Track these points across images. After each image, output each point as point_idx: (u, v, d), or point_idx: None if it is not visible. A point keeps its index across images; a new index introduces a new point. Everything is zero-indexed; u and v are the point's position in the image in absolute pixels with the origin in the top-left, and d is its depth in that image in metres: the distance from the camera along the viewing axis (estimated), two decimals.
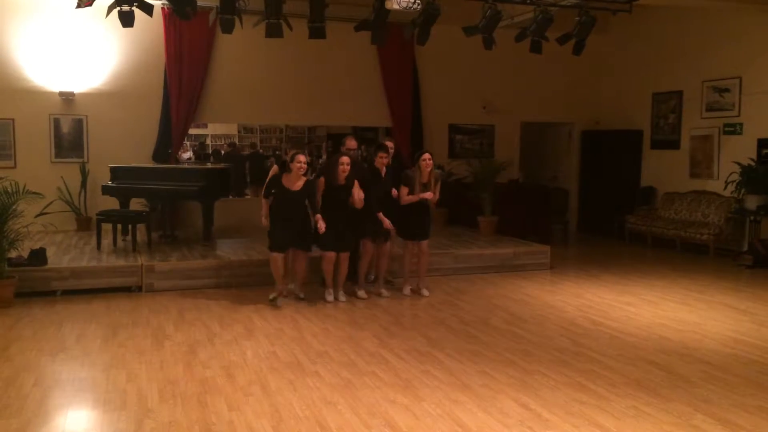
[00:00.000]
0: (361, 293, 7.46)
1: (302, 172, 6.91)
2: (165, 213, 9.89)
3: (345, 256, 7.23)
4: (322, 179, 7.07)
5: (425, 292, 7.67)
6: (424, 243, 7.61)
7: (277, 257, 7.01)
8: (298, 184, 6.93)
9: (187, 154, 16.37)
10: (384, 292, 7.58)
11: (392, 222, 7.32)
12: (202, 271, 7.94)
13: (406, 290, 7.68)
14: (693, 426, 4.14)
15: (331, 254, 7.12)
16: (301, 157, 6.91)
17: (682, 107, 11.61)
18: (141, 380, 4.86)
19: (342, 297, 7.34)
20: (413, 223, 7.50)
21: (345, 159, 7.03)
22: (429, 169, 7.42)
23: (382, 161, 7.40)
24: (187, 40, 10.57)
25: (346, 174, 7.02)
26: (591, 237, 12.50)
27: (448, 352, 5.58)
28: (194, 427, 4.07)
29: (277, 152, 17.91)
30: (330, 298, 7.30)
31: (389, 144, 7.78)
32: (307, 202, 6.96)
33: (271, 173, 7.28)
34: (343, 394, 4.62)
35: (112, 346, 5.71)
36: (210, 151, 17.63)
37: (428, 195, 7.40)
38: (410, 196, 7.36)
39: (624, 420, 4.21)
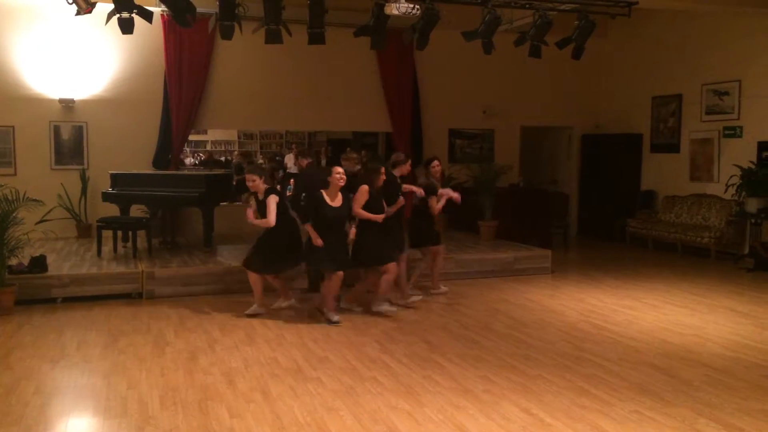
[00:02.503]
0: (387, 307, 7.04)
1: (342, 184, 6.46)
2: (165, 219, 9.89)
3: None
4: (365, 187, 6.59)
5: (443, 289, 7.92)
6: (440, 247, 7.80)
7: (258, 278, 6.70)
8: (339, 199, 6.51)
9: (189, 160, 16.35)
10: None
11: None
12: (202, 278, 7.94)
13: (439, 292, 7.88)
14: (696, 430, 4.12)
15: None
16: (339, 168, 6.51)
17: (681, 111, 11.61)
18: (142, 387, 4.85)
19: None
20: (427, 229, 7.63)
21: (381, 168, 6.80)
22: (438, 175, 7.77)
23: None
24: (186, 46, 10.57)
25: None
26: (592, 241, 12.49)
27: (450, 357, 5.57)
28: None
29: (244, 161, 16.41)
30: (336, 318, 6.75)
31: (352, 158, 7.56)
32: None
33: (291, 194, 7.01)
34: (344, 400, 4.61)
35: (113, 353, 5.70)
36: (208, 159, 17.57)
37: (456, 196, 7.61)
38: (440, 205, 7.50)
39: (626, 425, 4.19)
